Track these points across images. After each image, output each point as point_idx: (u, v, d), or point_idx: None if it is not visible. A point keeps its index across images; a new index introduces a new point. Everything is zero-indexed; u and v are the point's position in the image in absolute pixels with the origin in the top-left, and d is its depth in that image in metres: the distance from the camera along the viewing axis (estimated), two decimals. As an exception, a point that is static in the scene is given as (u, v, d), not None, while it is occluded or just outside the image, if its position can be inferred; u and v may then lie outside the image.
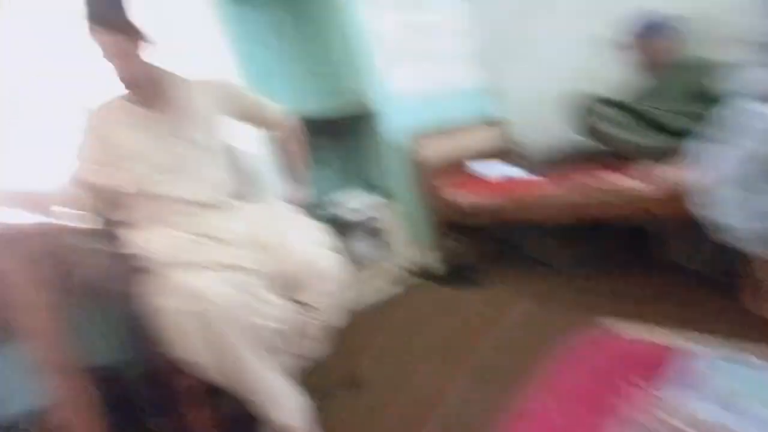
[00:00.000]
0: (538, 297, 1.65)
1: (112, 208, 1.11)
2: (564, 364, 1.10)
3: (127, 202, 1.15)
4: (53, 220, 0.77)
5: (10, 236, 0.73)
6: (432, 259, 2.30)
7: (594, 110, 1.54)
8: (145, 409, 1.18)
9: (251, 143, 1.66)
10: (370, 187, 2.36)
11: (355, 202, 2.02)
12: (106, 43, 0.97)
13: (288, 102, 2.29)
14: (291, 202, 1.33)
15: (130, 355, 1.25)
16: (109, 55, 0.99)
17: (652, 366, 0.97)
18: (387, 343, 1.58)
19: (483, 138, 2.52)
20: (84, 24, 0.96)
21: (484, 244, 2.36)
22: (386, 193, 2.36)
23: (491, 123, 2.59)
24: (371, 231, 2.11)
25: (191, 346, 0.84)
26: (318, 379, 1.09)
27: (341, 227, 1.94)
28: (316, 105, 2.43)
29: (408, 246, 2.25)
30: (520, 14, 2.41)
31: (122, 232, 1.15)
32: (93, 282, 0.98)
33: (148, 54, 1.05)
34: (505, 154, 2.45)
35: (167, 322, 0.85)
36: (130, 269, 0.88)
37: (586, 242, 1.92)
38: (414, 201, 2.28)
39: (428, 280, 2.21)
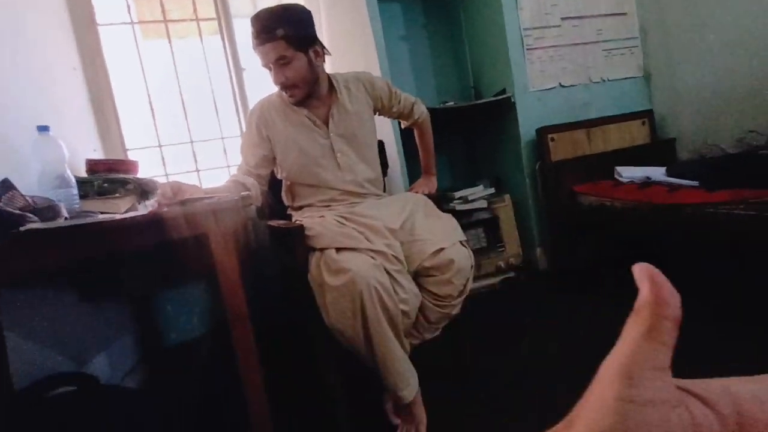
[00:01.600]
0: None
1: (277, 195, 1.31)
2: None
3: (290, 189, 1.35)
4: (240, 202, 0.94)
5: (214, 208, 0.91)
6: (541, 256, 2.19)
7: None
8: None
9: (384, 134, 1.76)
10: (492, 179, 2.31)
11: (473, 194, 2.02)
12: (262, 54, 1.13)
13: (420, 92, 2.37)
14: (420, 191, 1.39)
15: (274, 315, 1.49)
16: (266, 64, 1.16)
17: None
18: (490, 337, 1.58)
19: (627, 134, 2.24)
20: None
21: (609, 252, 2.15)
22: (506, 186, 2.30)
23: (641, 117, 2.27)
24: (484, 222, 2.09)
25: (344, 318, 0.97)
26: (425, 360, 1.15)
27: (459, 217, 1.97)
28: (448, 96, 2.44)
29: (518, 241, 2.18)
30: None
31: (291, 214, 1.36)
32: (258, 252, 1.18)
33: (302, 59, 1.16)
34: (653, 152, 2.15)
35: (328, 297, 0.98)
36: (294, 246, 1.04)
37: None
38: (534, 196, 2.18)
39: (532, 276, 2.14)
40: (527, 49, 2.14)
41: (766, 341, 1.24)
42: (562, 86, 2.21)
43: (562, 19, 2.19)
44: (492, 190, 2.16)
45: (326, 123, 1.27)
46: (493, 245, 2.10)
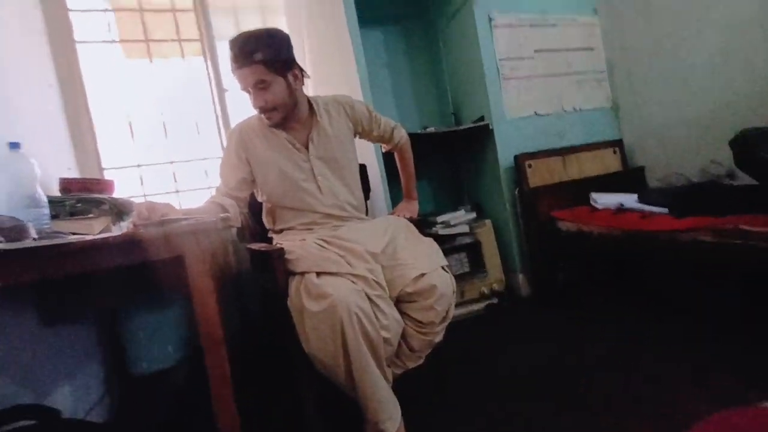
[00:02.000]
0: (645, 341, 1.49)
1: (258, 217, 1.29)
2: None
3: (270, 212, 1.34)
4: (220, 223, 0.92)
5: (192, 229, 0.89)
6: (523, 282, 2.22)
7: (756, 138, 1.35)
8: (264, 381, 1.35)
9: (367, 158, 1.78)
10: (473, 204, 2.36)
11: (455, 218, 2.04)
12: (240, 77, 1.14)
13: (401, 117, 2.42)
14: (401, 215, 1.40)
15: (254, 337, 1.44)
16: (244, 87, 1.17)
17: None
18: (473, 359, 1.57)
19: (600, 162, 2.34)
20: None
21: (588, 275, 2.20)
22: (487, 212, 2.35)
23: (612, 146, 2.39)
24: (467, 247, 2.11)
25: (324, 346, 0.94)
26: (407, 384, 1.13)
27: (441, 242, 1.98)
28: (429, 122, 2.50)
29: (500, 266, 2.20)
30: (659, 30, 2.19)
31: (272, 237, 1.34)
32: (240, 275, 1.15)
33: (281, 83, 1.17)
34: (625, 179, 2.25)
35: (308, 323, 0.95)
36: (274, 269, 1.02)
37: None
38: (515, 222, 2.22)
39: (515, 302, 2.16)
40: (503, 79, 2.23)
41: (729, 356, 1.28)
42: (538, 114, 2.31)
43: (535, 51, 2.32)
44: (473, 215, 2.20)
45: (306, 146, 1.27)
46: (476, 270, 2.12)
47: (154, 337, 1.52)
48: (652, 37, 2.22)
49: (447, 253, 2.01)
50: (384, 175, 1.91)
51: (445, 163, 2.63)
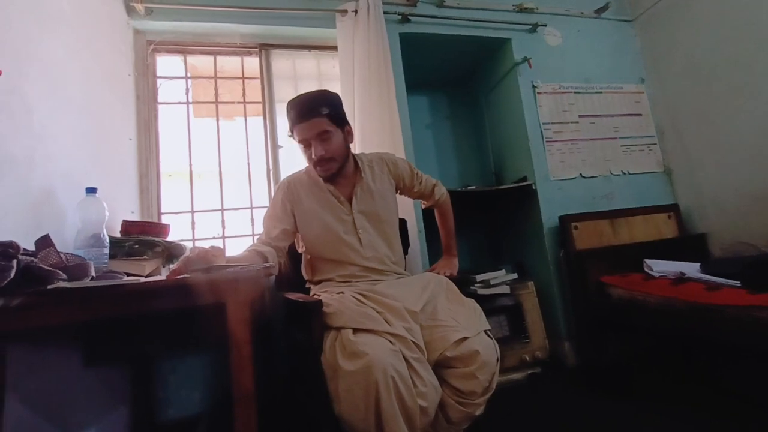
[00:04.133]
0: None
1: (297, 265, 1.31)
2: None
3: (310, 263, 1.36)
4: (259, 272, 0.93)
5: (236, 277, 0.91)
6: (569, 351, 2.03)
7: None
8: None
9: (405, 213, 1.79)
10: (514, 264, 2.27)
11: (495, 278, 1.96)
12: (305, 129, 1.21)
13: (442, 176, 2.47)
14: (441, 272, 1.36)
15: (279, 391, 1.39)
16: (306, 138, 1.22)
17: None
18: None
19: (654, 227, 2.21)
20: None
21: (639, 348, 1.99)
22: (529, 273, 2.24)
23: (667, 211, 2.27)
24: (507, 310, 1.99)
25: (356, 411, 0.88)
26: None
27: (480, 302, 1.89)
28: (470, 181, 2.53)
29: (544, 332, 2.04)
30: (710, 97, 2.14)
31: (309, 288, 1.35)
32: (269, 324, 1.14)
33: (340, 135, 1.25)
34: (683, 246, 2.10)
35: (341, 384, 0.90)
36: (310, 322, 1.00)
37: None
38: (559, 285, 2.09)
39: (559, 373, 1.97)
40: (547, 142, 2.23)
41: None
42: (583, 177, 2.26)
43: (580, 116, 2.33)
44: (515, 276, 2.10)
45: (350, 200, 1.31)
46: (517, 335, 1.98)
47: (184, 383, 1.52)
48: (703, 103, 2.17)
49: (486, 314, 1.89)
50: (422, 230, 1.90)
51: (484, 221, 2.60)
